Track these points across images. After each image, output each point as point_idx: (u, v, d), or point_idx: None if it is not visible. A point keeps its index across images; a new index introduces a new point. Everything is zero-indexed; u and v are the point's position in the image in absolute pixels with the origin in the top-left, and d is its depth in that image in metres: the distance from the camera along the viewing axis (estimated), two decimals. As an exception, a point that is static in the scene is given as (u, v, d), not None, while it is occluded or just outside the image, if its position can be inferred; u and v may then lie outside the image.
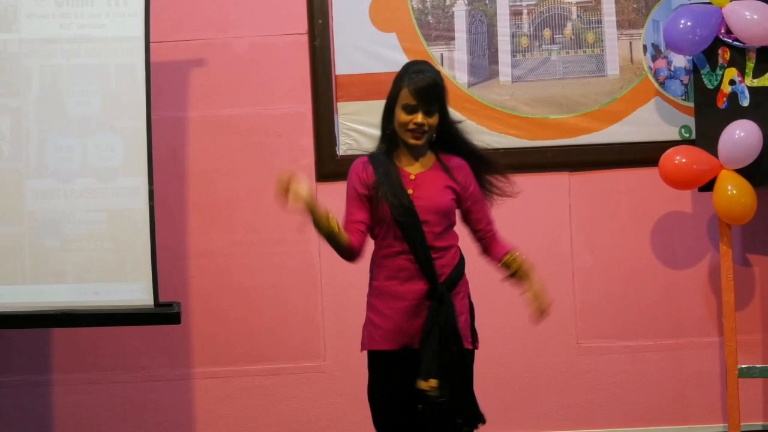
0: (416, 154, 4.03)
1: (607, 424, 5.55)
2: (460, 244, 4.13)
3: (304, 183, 3.81)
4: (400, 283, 4.00)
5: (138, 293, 4.97)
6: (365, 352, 4.09)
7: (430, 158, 4.06)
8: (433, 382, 3.93)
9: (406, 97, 3.94)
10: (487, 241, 4.17)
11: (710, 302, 5.52)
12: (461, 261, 4.12)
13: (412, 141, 3.97)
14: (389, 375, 4.02)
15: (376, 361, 4.06)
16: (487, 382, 5.45)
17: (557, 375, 5.55)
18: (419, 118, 3.93)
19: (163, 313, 4.98)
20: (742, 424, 5.23)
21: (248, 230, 5.57)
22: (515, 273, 4.14)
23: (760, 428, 5.54)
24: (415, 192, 3.98)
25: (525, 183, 5.46)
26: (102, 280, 4.97)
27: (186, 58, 5.54)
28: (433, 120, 3.97)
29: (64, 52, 4.98)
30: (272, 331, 5.58)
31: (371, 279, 4.08)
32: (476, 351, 4.16)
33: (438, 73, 4.03)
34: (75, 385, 5.62)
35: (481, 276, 5.53)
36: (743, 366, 5.24)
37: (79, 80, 4.98)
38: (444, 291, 4.00)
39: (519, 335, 5.53)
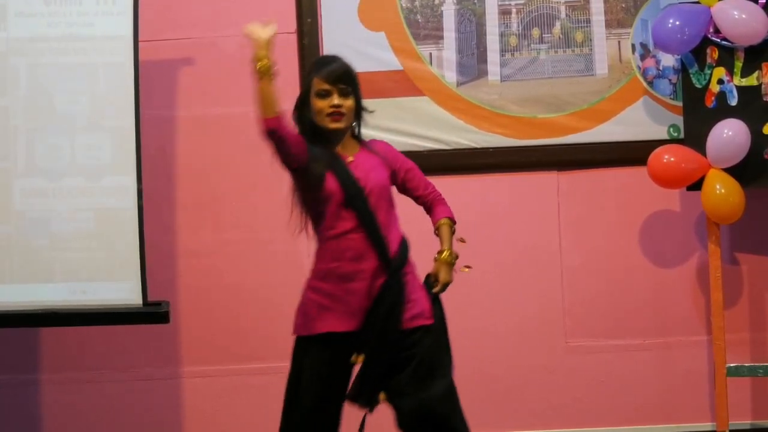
0: (340, 141, 4.05)
1: (596, 423, 5.56)
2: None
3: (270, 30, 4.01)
4: (347, 263, 3.98)
5: (126, 292, 4.97)
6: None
7: (354, 145, 4.10)
8: (360, 358, 3.98)
9: (318, 83, 4.01)
10: (429, 203, 4.22)
11: (698, 301, 5.53)
12: (405, 240, 4.12)
13: (333, 124, 3.99)
14: (340, 357, 4.02)
15: (320, 343, 4.03)
16: (475, 381, 5.46)
17: (546, 374, 5.56)
18: (335, 99, 3.98)
19: (151, 312, 4.98)
20: (730, 423, 5.23)
21: (237, 229, 5.57)
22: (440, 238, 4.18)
23: (748, 427, 5.55)
24: (356, 173, 4.01)
25: (514, 182, 5.52)
26: (90, 280, 4.96)
27: (175, 57, 5.54)
28: (350, 102, 4.02)
29: (52, 51, 4.97)
30: (261, 330, 5.58)
31: (314, 261, 4.06)
32: (446, 326, 4.20)
33: (347, 62, 4.09)
34: (63, 385, 5.61)
35: (468, 275, 5.54)
36: (731, 365, 5.24)
37: (68, 79, 4.98)
38: (397, 267, 4.02)
39: (507, 334, 5.54)
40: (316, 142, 4.01)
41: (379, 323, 3.96)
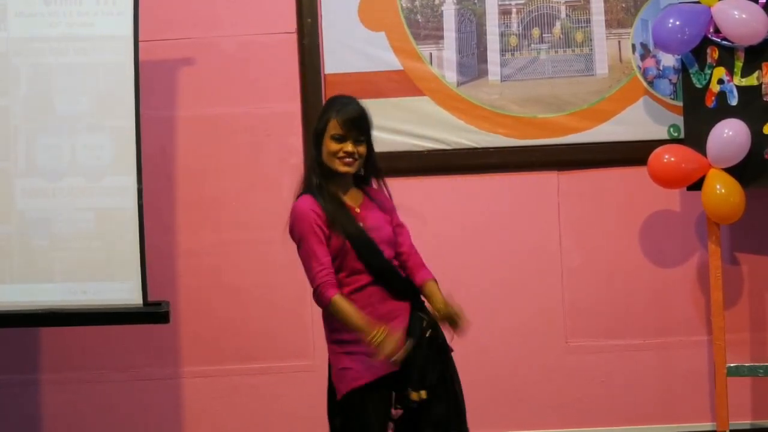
0: (346, 187, 4.07)
1: (596, 423, 5.56)
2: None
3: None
4: (379, 305, 3.99)
5: (126, 292, 4.96)
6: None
7: (359, 193, 4.12)
8: (423, 394, 3.94)
9: (334, 127, 4.00)
10: (411, 264, 4.19)
11: (699, 301, 5.53)
12: None
13: (343, 168, 4.01)
14: (385, 402, 3.99)
15: (376, 391, 3.97)
16: (476, 381, 5.46)
17: (546, 374, 5.56)
18: (349, 146, 3.99)
19: (151, 312, 4.98)
20: (730, 422, 5.23)
21: (237, 229, 5.56)
22: (434, 305, 4.14)
23: (748, 427, 5.55)
24: (365, 224, 4.03)
25: (514, 182, 5.52)
26: (90, 280, 4.96)
27: (175, 57, 5.53)
28: (362, 149, 4.03)
29: (52, 51, 4.97)
30: (261, 330, 5.58)
31: (335, 327, 4.00)
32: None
33: (364, 106, 4.08)
34: (64, 385, 5.61)
35: (469, 275, 5.54)
36: (732, 365, 5.24)
37: (68, 79, 4.98)
38: (419, 301, 4.06)
39: (508, 334, 5.54)
40: (323, 179, 4.02)
41: (422, 357, 3.97)
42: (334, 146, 4.00)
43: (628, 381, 5.55)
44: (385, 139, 5.42)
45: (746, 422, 5.53)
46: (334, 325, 4.00)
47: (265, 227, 5.50)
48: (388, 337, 3.81)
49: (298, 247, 4.01)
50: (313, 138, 4.07)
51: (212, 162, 5.56)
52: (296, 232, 4.00)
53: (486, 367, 5.54)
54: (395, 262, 4.11)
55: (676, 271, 5.54)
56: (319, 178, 4.03)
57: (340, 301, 3.88)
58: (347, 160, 4.00)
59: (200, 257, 5.57)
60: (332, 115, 4.02)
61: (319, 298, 3.93)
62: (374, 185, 4.18)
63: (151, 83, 5.37)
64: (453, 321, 4.07)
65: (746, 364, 5.33)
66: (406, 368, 3.93)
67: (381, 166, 4.16)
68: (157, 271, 5.35)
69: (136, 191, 4.95)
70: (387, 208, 4.17)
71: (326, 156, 4.01)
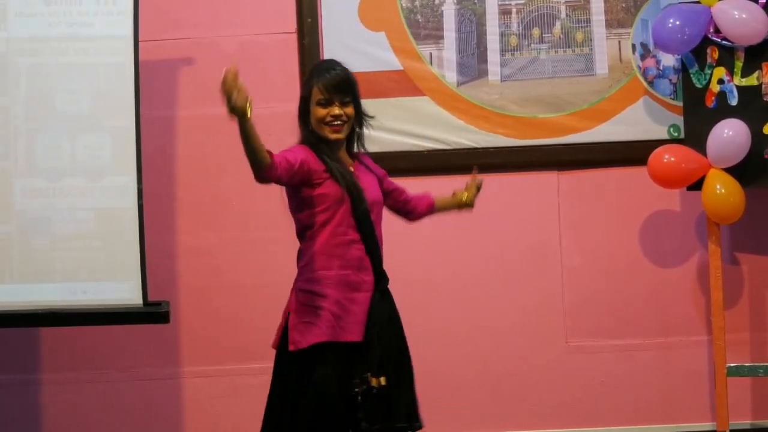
0: (337, 151, 4.05)
1: (596, 423, 5.56)
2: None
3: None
4: (354, 273, 3.98)
5: (127, 292, 4.96)
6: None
7: (350, 159, 4.12)
8: (383, 380, 3.92)
9: (318, 93, 4.00)
10: (413, 198, 4.34)
11: (699, 301, 5.53)
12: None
13: (333, 135, 4.01)
14: (348, 368, 3.93)
15: (335, 353, 3.92)
16: (475, 380, 5.47)
17: (546, 374, 5.56)
18: (336, 110, 3.99)
19: (152, 312, 4.98)
20: (730, 422, 5.23)
21: (237, 229, 5.57)
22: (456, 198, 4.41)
23: (748, 427, 5.55)
24: (360, 184, 4.04)
25: (514, 182, 5.52)
26: (91, 279, 4.96)
27: (175, 57, 5.54)
28: (350, 110, 4.02)
29: (52, 51, 4.97)
30: (261, 329, 5.54)
31: (316, 268, 3.97)
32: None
33: (347, 69, 4.08)
34: (64, 385, 5.61)
35: (469, 275, 5.54)
36: (732, 365, 5.24)
37: (68, 79, 4.98)
38: (386, 283, 4.06)
39: (507, 334, 5.54)
40: (319, 148, 4.01)
41: (380, 343, 3.96)
42: (321, 111, 4.00)
43: (628, 381, 5.55)
44: (385, 139, 5.43)
45: (746, 422, 5.53)
46: (312, 275, 3.98)
47: (265, 227, 5.50)
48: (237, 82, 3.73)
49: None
50: (301, 108, 4.08)
51: (212, 162, 5.56)
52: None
53: (485, 367, 5.54)
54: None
55: (676, 271, 5.54)
56: (315, 144, 4.02)
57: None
58: (336, 124, 3.99)
59: (200, 257, 5.57)
60: (314, 81, 4.02)
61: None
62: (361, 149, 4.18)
63: (151, 83, 5.37)
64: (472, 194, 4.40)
65: (746, 364, 5.33)
66: (367, 353, 3.92)
67: (368, 121, 4.16)
68: (158, 270, 5.35)
69: (136, 191, 4.95)
70: (379, 174, 4.20)
71: (315, 123, 4.01)
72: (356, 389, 3.90)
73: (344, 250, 3.97)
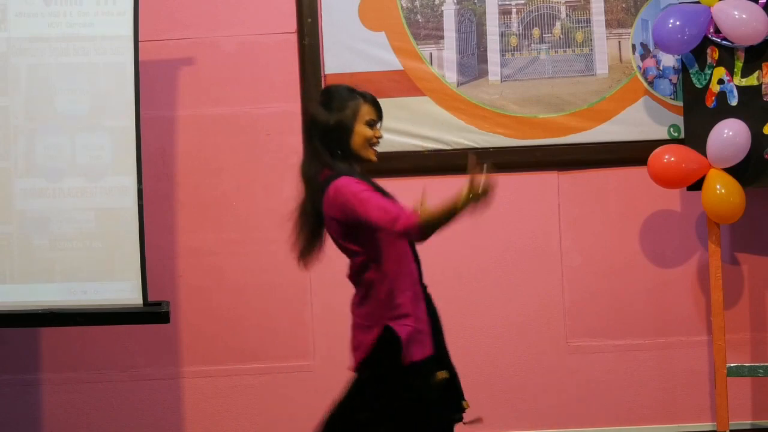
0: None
1: (596, 423, 5.56)
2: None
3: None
4: (414, 286, 3.93)
5: (127, 292, 4.96)
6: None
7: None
8: (466, 403, 3.98)
9: (369, 112, 3.91)
10: None
11: (699, 301, 5.53)
12: None
13: (373, 156, 3.93)
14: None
15: (423, 368, 3.87)
16: (475, 380, 5.46)
17: (546, 374, 5.56)
18: (378, 131, 3.95)
19: (152, 312, 4.98)
20: (730, 423, 5.23)
21: (237, 229, 5.57)
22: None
23: (749, 427, 5.55)
24: None
25: (514, 182, 5.51)
26: (91, 279, 4.96)
27: (175, 57, 5.54)
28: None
29: (52, 51, 4.97)
30: (261, 330, 5.58)
31: (397, 298, 3.87)
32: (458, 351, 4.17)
33: None
34: (64, 385, 5.61)
35: (469, 275, 5.54)
36: (732, 365, 5.24)
37: (68, 79, 4.98)
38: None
39: (508, 334, 5.54)
40: (353, 170, 3.88)
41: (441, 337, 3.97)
42: (368, 132, 3.90)
43: (628, 381, 5.55)
44: (385, 139, 5.40)
45: (746, 422, 5.53)
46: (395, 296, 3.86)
47: (265, 227, 5.50)
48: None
49: (358, 215, 3.73)
50: (328, 136, 3.88)
51: (212, 162, 5.56)
52: (351, 200, 3.74)
53: (485, 367, 5.54)
54: None
55: (676, 271, 5.54)
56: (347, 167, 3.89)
57: (423, 211, 3.57)
58: (376, 147, 3.93)
59: (200, 257, 5.57)
60: (360, 101, 3.91)
61: (408, 227, 3.64)
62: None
63: (151, 83, 5.37)
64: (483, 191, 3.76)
65: (746, 364, 5.33)
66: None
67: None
68: (158, 271, 5.36)
69: (136, 191, 4.95)
70: (387, 194, 4.06)
71: (359, 144, 3.89)
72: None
73: (407, 268, 3.97)
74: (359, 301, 3.92)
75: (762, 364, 5.37)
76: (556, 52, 5.53)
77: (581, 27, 5.52)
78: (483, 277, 5.54)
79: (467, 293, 5.53)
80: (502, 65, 5.53)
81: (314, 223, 3.92)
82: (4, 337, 5.54)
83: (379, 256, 3.84)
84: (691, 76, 5.21)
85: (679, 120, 5.36)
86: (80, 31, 4.98)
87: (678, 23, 5.10)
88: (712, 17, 5.12)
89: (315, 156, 3.90)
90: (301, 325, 5.56)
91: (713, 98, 5.18)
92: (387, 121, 5.36)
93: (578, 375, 5.56)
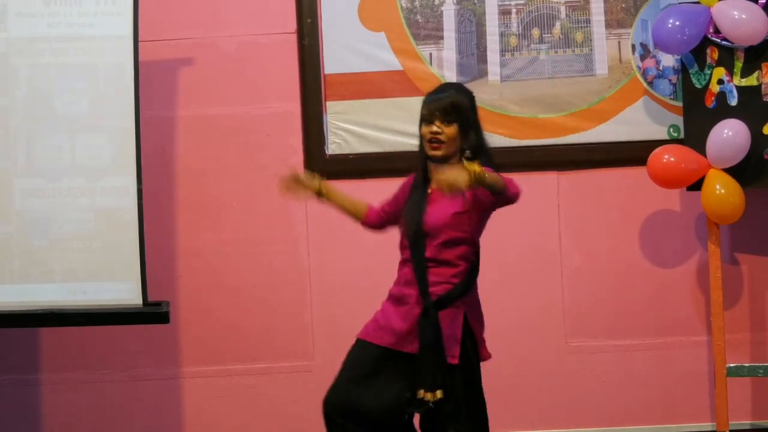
0: (438, 168, 4.06)
1: (596, 423, 5.56)
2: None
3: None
4: (401, 287, 4.10)
5: (126, 292, 4.97)
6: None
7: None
8: (439, 394, 4.00)
9: (422, 110, 4.07)
10: None
11: (698, 301, 5.53)
12: (464, 282, 4.16)
13: (432, 152, 4.05)
14: (361, 363, 4.15)
15: (358, 346, 4.17)
16: (475, 381, 5.46)
17: (546, 374, 5.56)
18: (434, 128, 4.01)
19: (151, 313, 4.98)
20: (730, 423, 5.23)
21: (237, 229, 5.57)
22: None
23: (748, 427, 5.55)
24: (429, 206, 4.07)
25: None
26: (90, 280, 4.97)
27: (175, 58, 5.54)
28: (450, 130, 4.02)
29: (52, 51, 4.98)
30: (261, 330, 5.58)
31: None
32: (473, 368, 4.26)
33: (461, 92, 4.10)
34: (64, 385, 5.61)
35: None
36: (731, 365, 5.24)
37: (68, 79, 4.98)
38: (431, 306, 4.02)
39: (507, 334, 5.53)
40: (421, 167, 4.14)
41: (429, 360, 4.03)
42: (423, 129, 4.07)
43: (627, 381, 5.55)
44: (385, 139, 5.44)
45: (746, 422, 5.54)
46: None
47: (265, 227, 5.50)
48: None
49: None
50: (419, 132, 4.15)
51: (212, 162, 5.56)
52: None
53: (485, 367, 5.52)
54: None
55: (676, 272, 5.54)
56: (422, 169, 4.15)
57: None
58: (433, 143, 4.03)
59: (200, 257, 5.57)
60: (423, 101, 4.11)
61: None
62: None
63: (151, 83, 5.37)
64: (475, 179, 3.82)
65: (746, 364, 5.33)
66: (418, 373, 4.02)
67: (488, 150, 4.13)
68: (157, 271, 5.36)
69: (136, 191, 4.96)
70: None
71: (422, 141, 4.10)
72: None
73: (401, 268, 4.15)
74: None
75: (761, 364, 5.37)
76: (556, 52, 5.53)
77: (581, 27, 5.52)
78: (482, 277, 5.52)
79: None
80: (502, 65, 5.53)
81: None
82: (3, 337, 5.54)
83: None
84: (691, 76, 5.21)
85: (679, 120, 5.36)
86: (80, 32, 4.98)
87: (678, 23, 5.10)
88: (711, 17, 5.12)
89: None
90: (300, 325, 5.56)
91: (713, 98, 5.18)
92: (387, 121, 5.42)
93: (578, 375, 5.56)
